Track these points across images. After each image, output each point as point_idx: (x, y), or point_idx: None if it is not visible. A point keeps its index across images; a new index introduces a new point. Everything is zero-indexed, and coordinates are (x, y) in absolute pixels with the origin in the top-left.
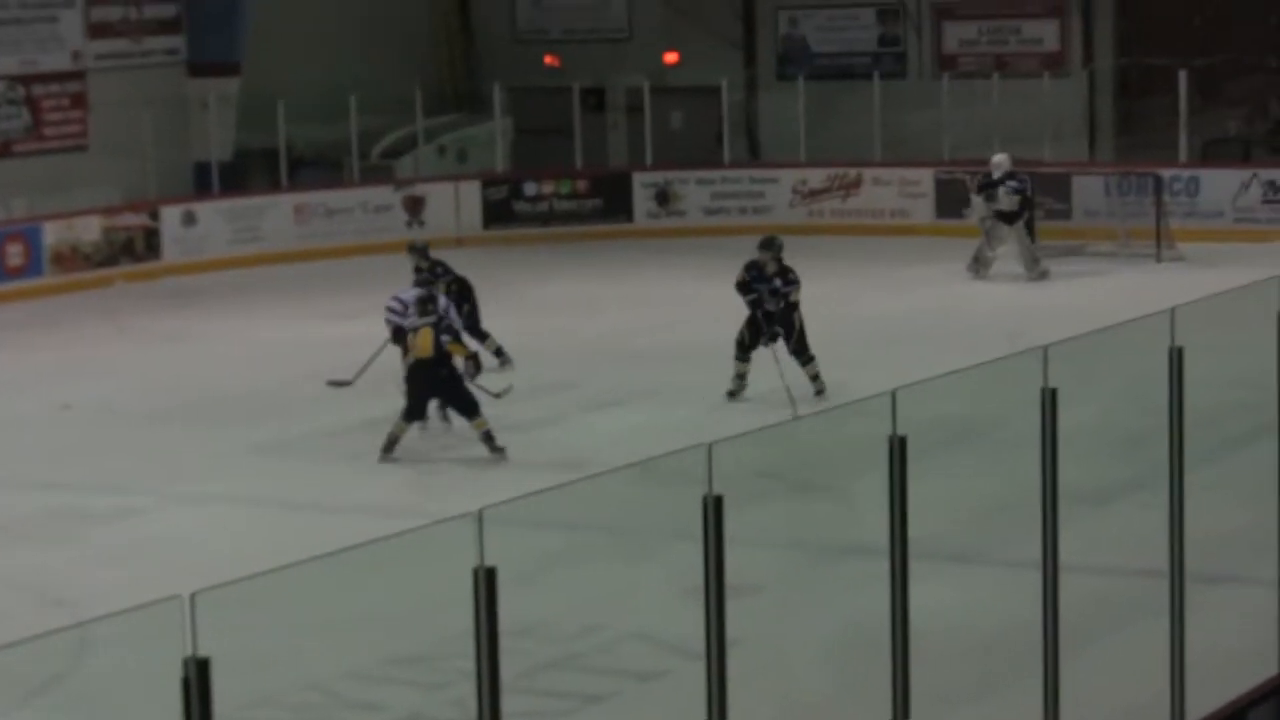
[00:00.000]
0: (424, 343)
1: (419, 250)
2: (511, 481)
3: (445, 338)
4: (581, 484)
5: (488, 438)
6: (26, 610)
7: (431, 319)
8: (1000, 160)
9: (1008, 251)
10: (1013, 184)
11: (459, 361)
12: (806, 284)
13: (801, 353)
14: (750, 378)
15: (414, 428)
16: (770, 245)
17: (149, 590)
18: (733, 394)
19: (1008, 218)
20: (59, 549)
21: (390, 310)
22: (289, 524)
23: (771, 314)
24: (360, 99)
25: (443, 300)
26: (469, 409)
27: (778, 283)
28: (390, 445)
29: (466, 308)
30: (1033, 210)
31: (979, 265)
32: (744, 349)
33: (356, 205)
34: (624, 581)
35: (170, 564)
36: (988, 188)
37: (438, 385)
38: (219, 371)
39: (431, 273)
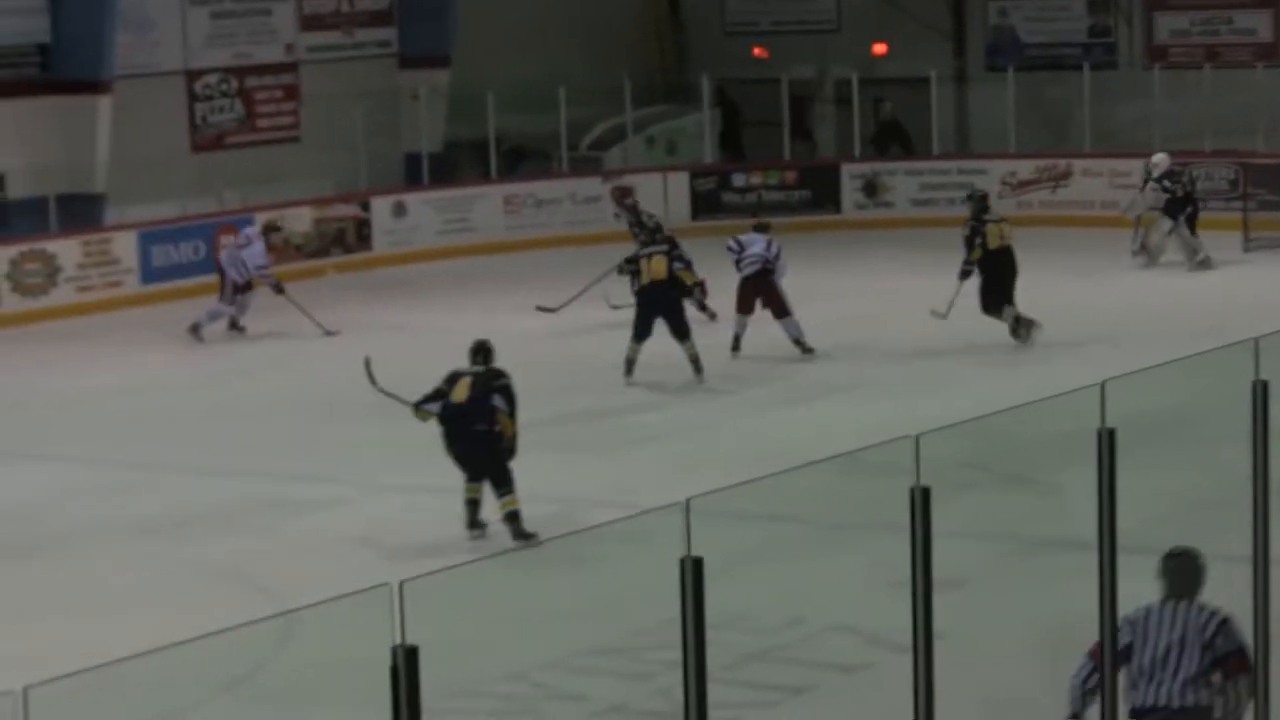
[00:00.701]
0: (658, 267)
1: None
2: (716, 473)
3: (678, 264)
4: (787, 476)
5: (695, 362)
6: (234, 599)
7: (664, 247)
8: (1159, 160)
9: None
10: (1167, 183)
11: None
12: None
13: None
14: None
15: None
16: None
17: (355, 580)
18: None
19: (1168, 211)
20: (264, 538)
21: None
22: (494, 515)
23: None
24: (569, 90)
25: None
26: (684, 333)
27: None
28: (629, 368)
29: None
30: (1194, 205)
31: (1148, 254)
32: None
33: (565, 196)
34: (828, 573)
35: (376, 553)
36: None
37: (666, 307)
38: (427, 362)
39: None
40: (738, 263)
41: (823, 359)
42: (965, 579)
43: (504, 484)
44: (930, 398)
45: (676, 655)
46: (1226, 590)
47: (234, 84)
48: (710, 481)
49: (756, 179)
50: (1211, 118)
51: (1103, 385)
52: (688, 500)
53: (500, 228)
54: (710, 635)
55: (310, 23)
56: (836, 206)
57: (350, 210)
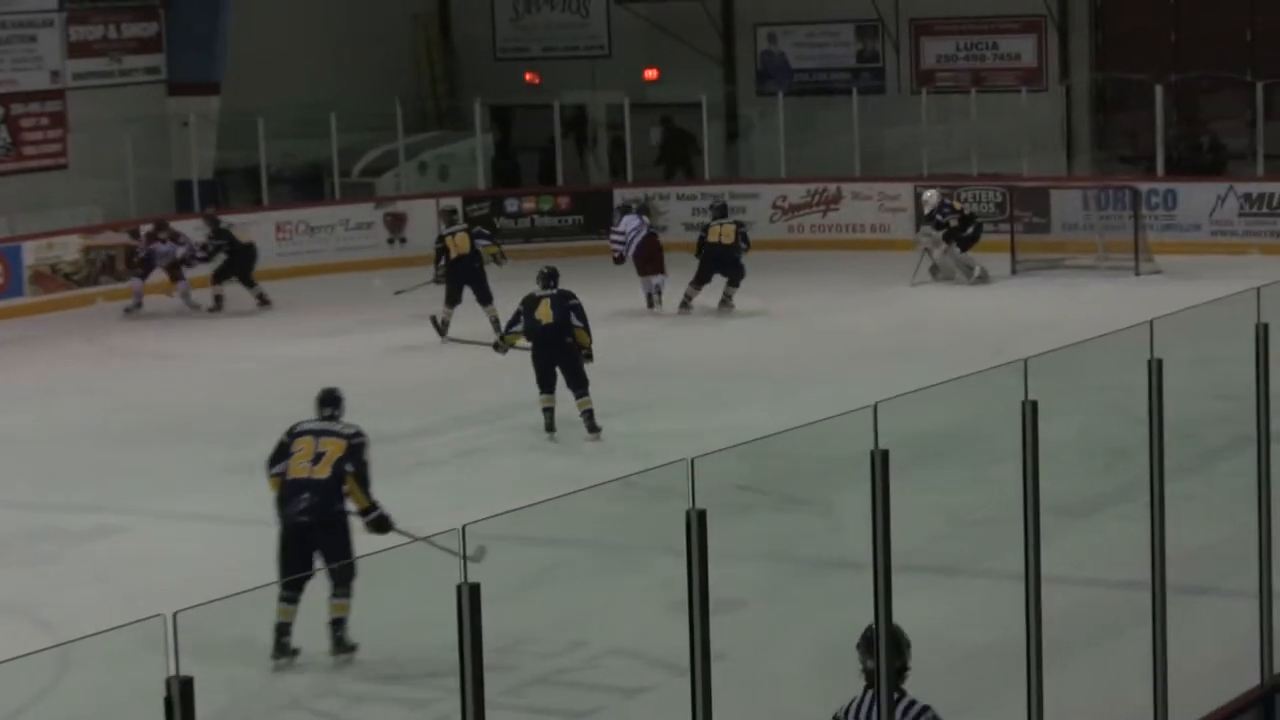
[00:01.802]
0: (462, 242)
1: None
2: (494, 498)
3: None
4: (566, 500)
5: (495, 323)
6: (11, 630)
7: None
8: (929, 197)
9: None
10: (939, 217)
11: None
12: (789, 297)
13: None
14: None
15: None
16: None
17: (133, 610)
18: None
19: (948, 240)
20: (42, 568)
21: None
22: (266, 542)
23: None
24: (341, 116)
25: None
26: (487, 299)
27: None
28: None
29: None
30: (976, 226)
31: (938, 273)
32: None
33: (338, 222)
34: (609, 596)
35: (151, 582)
36: (927, 221)
37: (470, 277)
38: (197, 391)
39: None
40: (628, 244)
41: (603, 380)
42: (744, 600)
43: (582, 387)
44: (711, 418)
45: (456, 682)
46: (1001, 607)
47: None
48: (491, 506)
49: (529, 204)
50: (977, 141)
51: (875, 407)
52: (464, 526)
53: (271, 254)
54: (492, 660)
55: (77, 49)
56: (609, 231)
57: (119, 238)
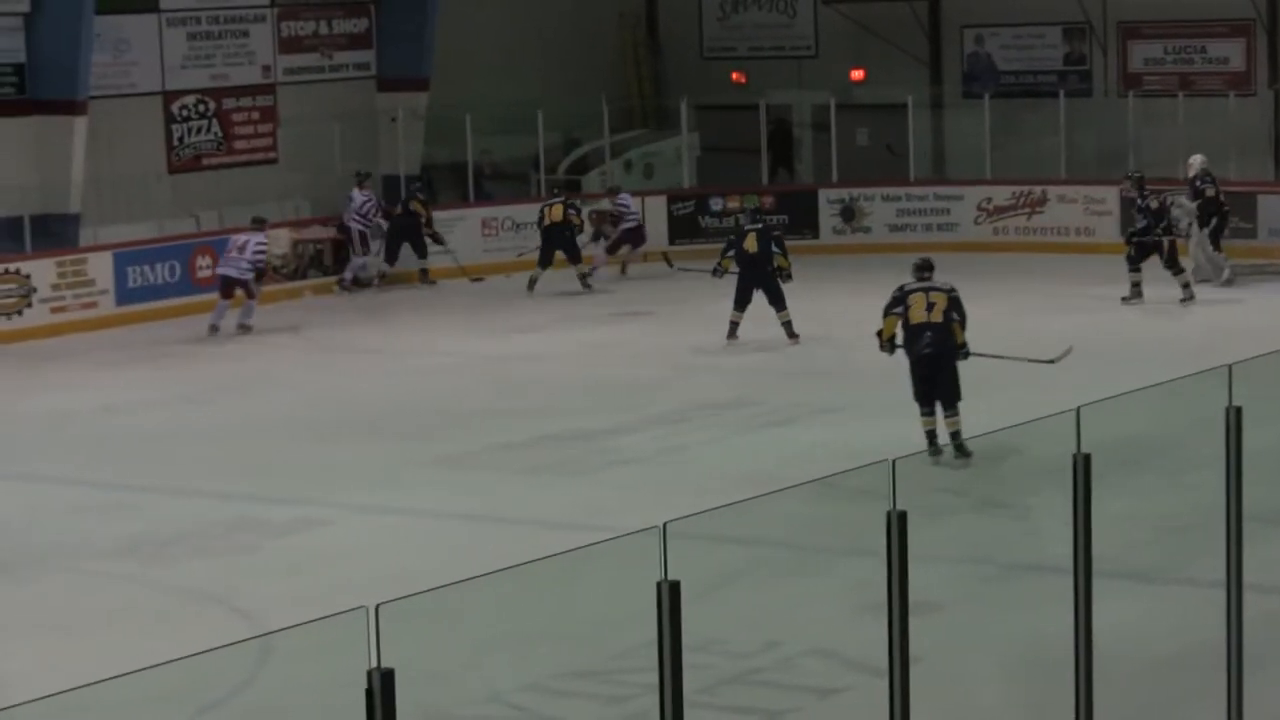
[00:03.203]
0: (556, 212)
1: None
2: (693, 497)
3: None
4: (763, 500)
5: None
6: (211, 621)
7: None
8: (1194, 161)
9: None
10: (1198, 184)
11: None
12: (991, 302)
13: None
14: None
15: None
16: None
17: (332, 603)
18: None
19: (1202, 218)
20: (241, 559)
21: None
22: (470, 537)
23: None
24: (547, 114)
25: None
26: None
27: None
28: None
29: None
30: (1214, 216)
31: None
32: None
33: None
34: (805, 597)
35: (352, 576)
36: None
37: (562, 242)
38: (397, 386)
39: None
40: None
41: (801, 382)
42: (941, 603)
43: (780, 304)
44: (906, 422)
45: (653, 679)
46: (1201, 615)
47: (211, 105)
48: (686, 505)
49: (734, 203)
50: (1185, 145)
51: (1078, 411)
52: (664, 524)
53: (478, 250)
54: (687, 658)
55: (288, 45)
56: (815, 232)
57: (328, 232)
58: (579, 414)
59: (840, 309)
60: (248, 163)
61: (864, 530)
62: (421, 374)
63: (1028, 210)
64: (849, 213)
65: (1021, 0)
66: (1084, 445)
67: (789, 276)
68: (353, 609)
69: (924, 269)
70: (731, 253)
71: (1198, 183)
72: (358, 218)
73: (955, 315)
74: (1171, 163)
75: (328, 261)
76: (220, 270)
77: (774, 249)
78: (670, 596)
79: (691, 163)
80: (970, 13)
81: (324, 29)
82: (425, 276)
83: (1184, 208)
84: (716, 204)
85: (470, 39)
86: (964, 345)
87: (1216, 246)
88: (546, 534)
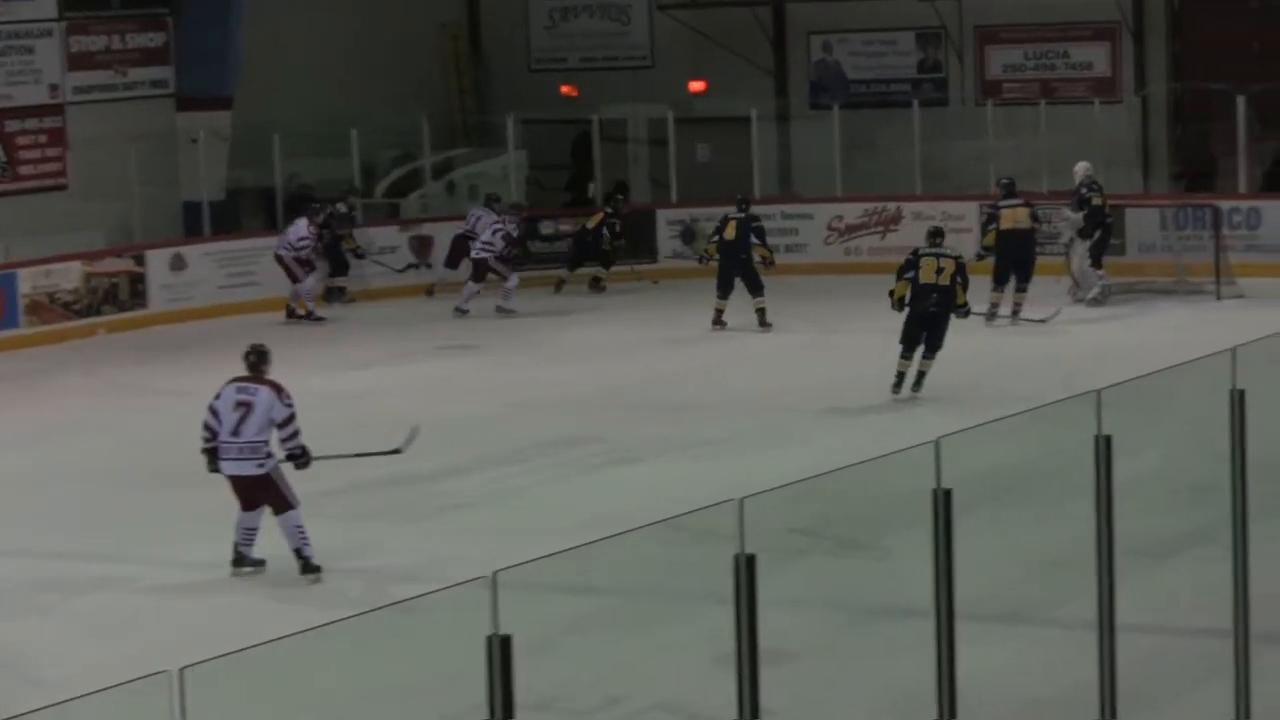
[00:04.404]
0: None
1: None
2: (530, 543)
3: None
4: (604, 544)
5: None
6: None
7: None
8: (1079, 168)
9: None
10: (1083, 191)
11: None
12: (844, 327)
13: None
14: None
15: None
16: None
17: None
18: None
19: (1086, 228)
20: (37, 620)
21: None
22: (286, 591)
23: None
24: (362, 132)
25: None
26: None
27: None
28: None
29: None
30: (1098, 228)
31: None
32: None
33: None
34: (649, 648)
35: (159, 637)
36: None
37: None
38: None
39: None
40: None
41: (646, 417)
42: (796, 652)
43: (757, 291)
44: (760, 456)
45: None
46: (1072, 657)
47: None
48: (522, 552)
49: (566, 226)
50: (1048, 156)
51: (937, 442)
52: (494, 573)
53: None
54: (523, 717)
55: (78, 61)
56: (652, 255)
57: (124, 264)
58: (407, 455)
59: (686, 335)
60: (35, 189)
61: (712, 575)
62: None
63: (881, 229)
64: (689, 234)
65: (872, 5)
66: (945, 479)
67: (771, 263)
68: (157, 673)
69: (936, 235)
70: (716, 238)
71: (1083, 190)
72: (287, 248)
73: (960, 279)
74: (1034, 175)
75: (123, 296)
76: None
77: (753, 238)
78: (501, 651)
79: (519, 183)
80: (817, 19)
81: (117, 44)
82: (340, 295)
83: (1068, 219)
84: (547, 227)
85: (278, 53)
86: (964, 305)
87: (1097, 262)
88: (370, 586)
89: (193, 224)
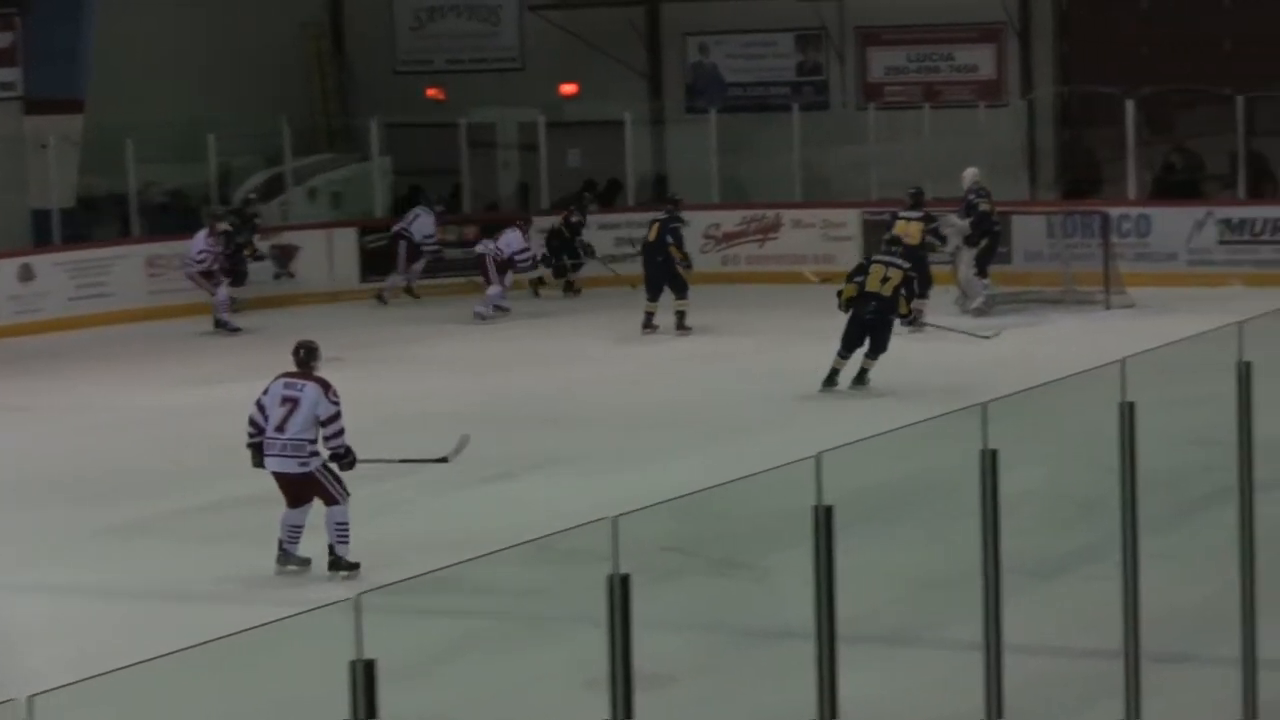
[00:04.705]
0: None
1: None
2: (397, 564)
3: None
4: (474, 565)
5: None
6: None
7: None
8: (967, 174)
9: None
10: (970, 198)
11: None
12: (721, 338)
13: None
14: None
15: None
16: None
17: None
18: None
19: (972, 237)
20: None
21: None
22: (142, 614)
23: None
24: (221, 137)
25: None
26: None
27: None
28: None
29: None
30: (985, 236)
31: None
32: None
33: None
34: (520, 672)
35: (10, 666)
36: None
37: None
38: (60, 446)
39: None
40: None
41: (519, 432)
42: (673, 675)
43: (677, 292)
44: (635, 473)
45: None
46: (957, 680)
47: None
48: (388, 573)
49: (449, 235)
50: (932, 162)
51: (818, 457)
52: (359, 595)
53: (142, 292)
54: None
55: None
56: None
57: None
58: (265, 474)
59: (558, 349)
60: None
61: (586, 596)
62: (85, 432)
63: (760, 237)
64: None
65: (749, 6)
66: (827, 495)
67: (688, 265)
68: (4, 701)
69: (893, 244)
70: (635, 249)
71: (971, 197)
72: (189, 263)
73: (904, 292)
74: (917, 181)
75: None
76: None
77: (667, 239)
78: (365, 677)
79: (384, 189)
80: (693, 20)
81: None
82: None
83: (954, 225)
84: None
85: (132, 54)
86: (908, 314)
87: (982, 271)
88: (230, 609)
89: (42, 233)
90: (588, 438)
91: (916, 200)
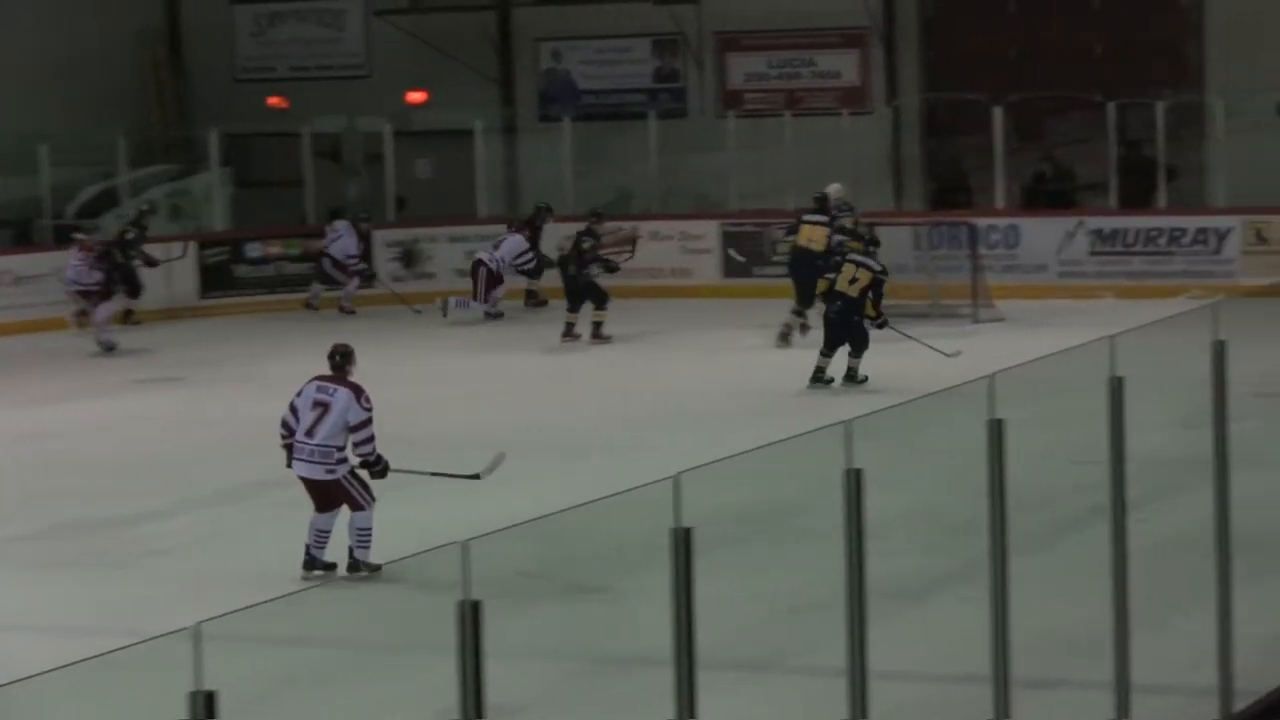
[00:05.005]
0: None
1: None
2: (240, 592)
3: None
4: (319, 592)
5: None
6: None
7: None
8: (833, 190)
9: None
10: (844, 222)
11: None
12: (574, 353)
13: None
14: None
15: None
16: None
17: None
18: None
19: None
20: None
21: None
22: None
23: None
24: (53, 149)
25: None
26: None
27: None
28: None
29: None
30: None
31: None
32: None
33: (49, 272)
34: (369, 703)
35: None
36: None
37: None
38: None
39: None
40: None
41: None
42: (524, 705)
43: (594, 300)
44: (487, 496)
45: None
46: (822, 707)
47: None
48: (231, 601)
49: (275, 249)
50: (794, 171)
51: (676, 478)
52: (199, 624)
53: None
54: None
55: None
56: (370, 279)
57: None
58: (105, 497)
59: (408, 367)
60: None
61: (435, 624)
62: None
63: (616, 249)
64: (409, 256)
65: (604, 10)
66: (685, 517)
67: (607, 269)
68: None
69: (871, 244)
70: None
71: (835, 213)
72: (70, 281)
73: (872, 294)
74: (778, 192)
75: None
76: None
77: (584, 245)
78: (205, 709)
79: (224, 202)
80: (546, 25)
81: None
82: (128, 317)
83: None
84: (255, 249)
85: None
86: (876, 316)
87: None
88: (62, 640)
89: None
90: (433, 460)
91: (821, 205)
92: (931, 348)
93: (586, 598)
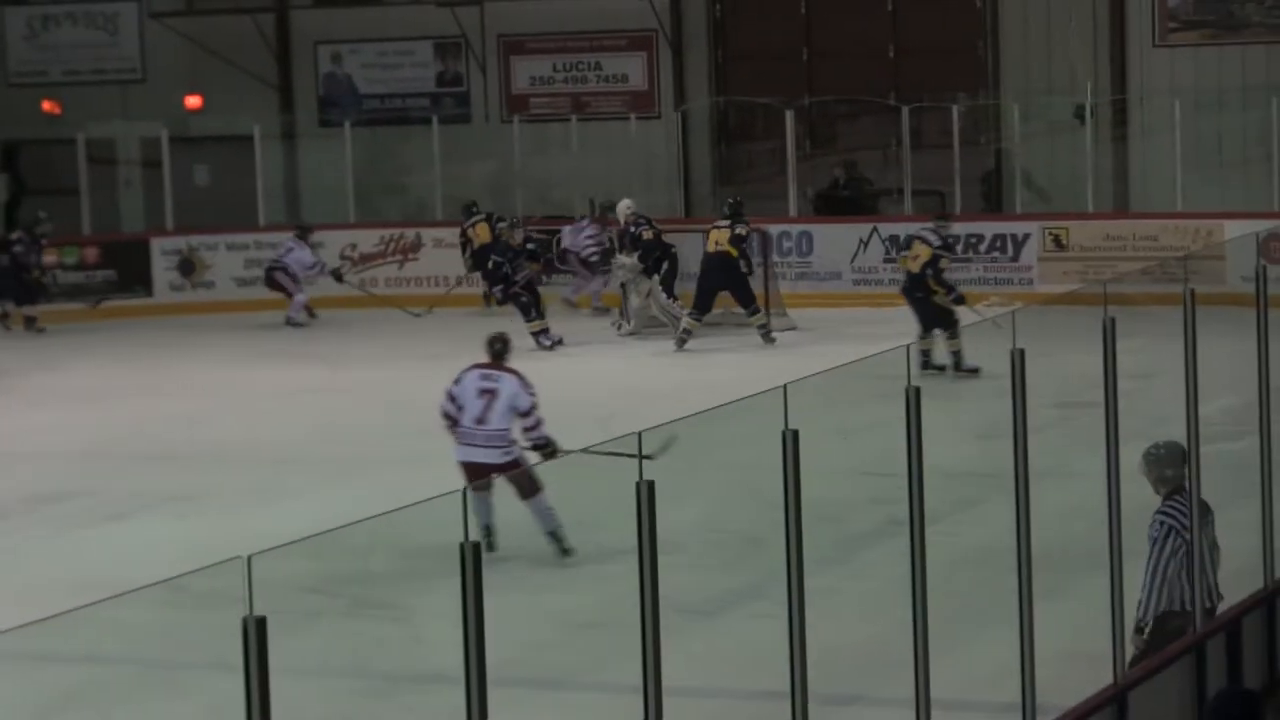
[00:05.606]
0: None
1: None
2: (14, 609)
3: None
4: (98, 608)
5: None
6: None
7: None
8: (623, 206)
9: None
10: (632, 230)
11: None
12: (358, 364)
13: None
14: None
15: None
16: None
17: None
18: None
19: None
20: None
21: None
22: None
23: None
24: None
25: None
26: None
27: None
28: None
29: None
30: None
31: (632, 320)
32: None
33: None
34: None
35: None
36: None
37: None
38: None
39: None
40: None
41: (142, 468)
42: None
43: (531, 314)
44: (268, 510)
45: None
46: None
47: None
48: (4, 619)
49: (51, 258)
50: (581, 177)
51: (464, 492)
52: None
53: None
54: None
55: None
56: (148, 288)
57: None
58: None
59: (181, 378)
60: None
61: (219, 640)
62: None
63: (400, 258)
64: (187, 265)
65: (385, 12)
66: (474, 531)
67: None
68: None
69: (941, 219)
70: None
71: (632, 229)
72: None
73: (929, 271)
74: (565, 200)
75: None
76: None
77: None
78: None
79: None
80: (325, 28)
81: None
82: (32, 324)
83: (625, 265)
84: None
85: None
86: (948, 293)
87: (671, 293)
88: None
89: None
90: (209, 474)
91: (736, 211)
92: (967, 369)
93: (375, 614)
